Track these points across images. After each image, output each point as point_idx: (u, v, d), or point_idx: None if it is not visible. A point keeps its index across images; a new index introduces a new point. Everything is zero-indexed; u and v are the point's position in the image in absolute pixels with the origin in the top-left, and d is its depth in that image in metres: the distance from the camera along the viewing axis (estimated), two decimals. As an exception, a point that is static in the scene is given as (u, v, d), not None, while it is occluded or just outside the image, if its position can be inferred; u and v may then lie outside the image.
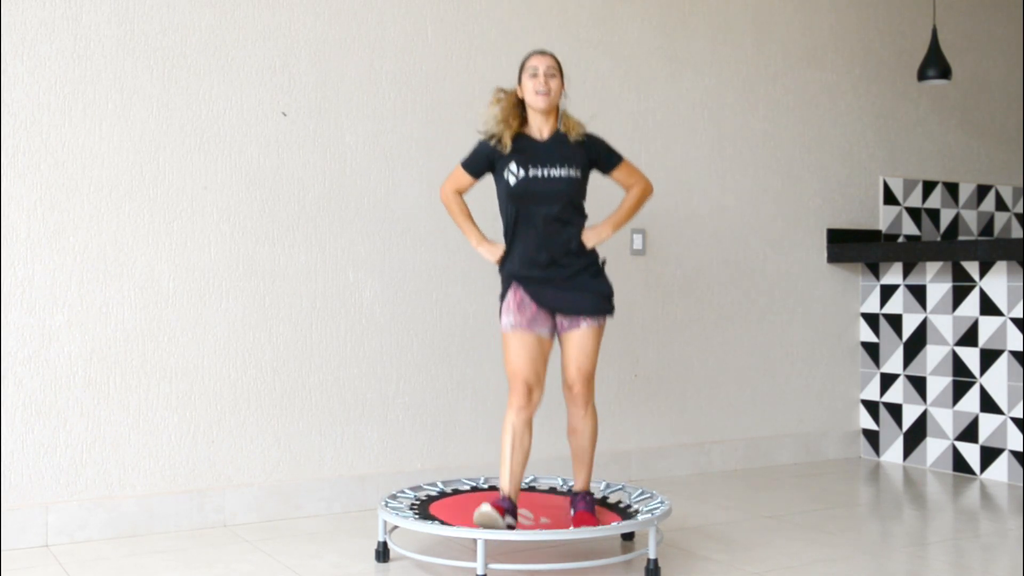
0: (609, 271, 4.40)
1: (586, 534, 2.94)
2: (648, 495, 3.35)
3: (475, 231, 3.28)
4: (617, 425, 4.45)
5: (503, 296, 3.20)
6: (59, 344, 3.40)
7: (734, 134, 4.79)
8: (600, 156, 3.24)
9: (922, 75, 4.91)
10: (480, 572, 2.83)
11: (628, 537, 3.36)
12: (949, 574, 3.07)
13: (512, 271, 3.18)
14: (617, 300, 4.43)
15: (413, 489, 3.43)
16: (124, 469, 3.50)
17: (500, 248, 3.22)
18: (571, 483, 3.58)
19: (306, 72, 3.82)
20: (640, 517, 3.04)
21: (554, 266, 3.14)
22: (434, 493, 3.42)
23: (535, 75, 3.14)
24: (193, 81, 3.62)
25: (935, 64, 4.85)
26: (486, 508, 2.95)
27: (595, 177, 3.34)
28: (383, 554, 3.17)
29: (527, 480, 3.61)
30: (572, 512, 3.23)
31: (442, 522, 3.01)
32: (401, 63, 4.00)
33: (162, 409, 3.56)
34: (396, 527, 3.28)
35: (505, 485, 3.09)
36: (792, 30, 4.96)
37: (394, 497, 3.29)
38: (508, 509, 3.03)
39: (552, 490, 3.56)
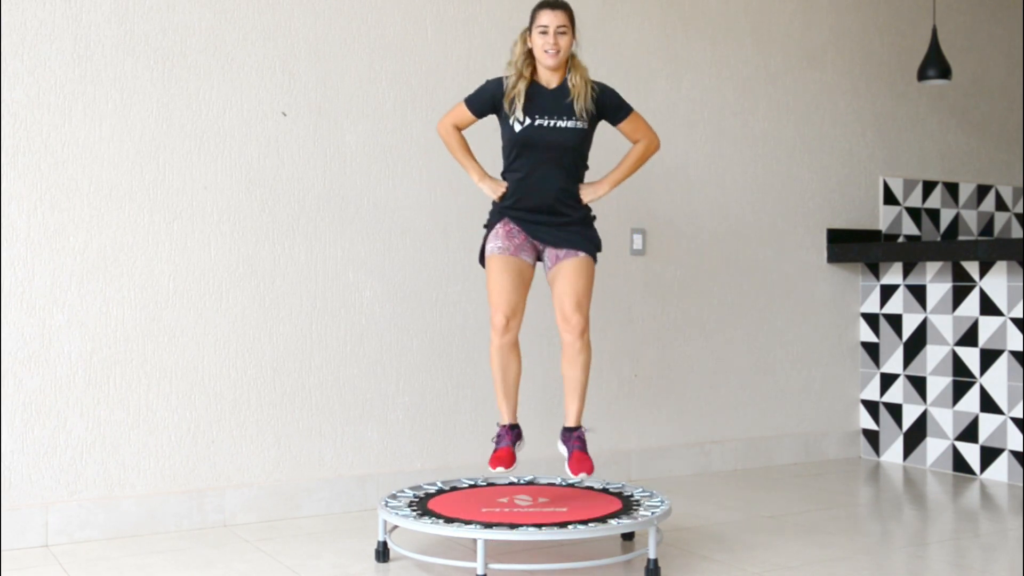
0: (609, 271, 4.41)
1: (586, 534, 2.93)
2: (648, 495, 3.35)
3: (476, 166, 3.30)
4: (617, 425, 4.45)
5: (489, 226, 3.23)
6: (59, 344, 3.40)
7: (734, 134, 4.79)
8: (609, 107, 3.25)
9: (922, 75, 4.91)
10: (480, 572, 2.83)
11: (628, 537, 3.36)
12: (949, 574, 3.07)
13: (505, 208, 3.22)
14: (617, 300, 4.44)
15: (413, 489, 3.42)
16: (124, 469, 3.50)
17: (503, 185, 3.24)
18: (570, 481, 3.58)
19: (306, 72, 3.82)
20: (640, 517, 3.04)
21: (550, 214, 3.19)
22: (433, 491, 3.42)
23: (544, 32, 3.13)
24: (193, 81, 3.62)
25: (935, 64, 4.85)
26: (500, 471, 3.12)
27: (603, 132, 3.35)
28: (383, 554, 3.17)
29: (527, 477, 3.61)
30: (567, 452, 3.19)
31: (441, 517, 3.01)
32: (401, 63, 4.00)
33: (162, 409, 3.56)
34: (396, 527, 3.28)
35: (504, 410, 3.21)
36: (792, 30, 4.96)
37: (394, 497, 3.29)
38: (514, 437, 3.17)
39: (550, 485, 3.55)
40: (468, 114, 3.29)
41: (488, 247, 3.22)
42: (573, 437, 3.23)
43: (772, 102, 4.90)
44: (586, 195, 3.26)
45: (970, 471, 4.59)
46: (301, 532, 3.55)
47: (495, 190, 3.25)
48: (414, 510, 3.11)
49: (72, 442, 3.42)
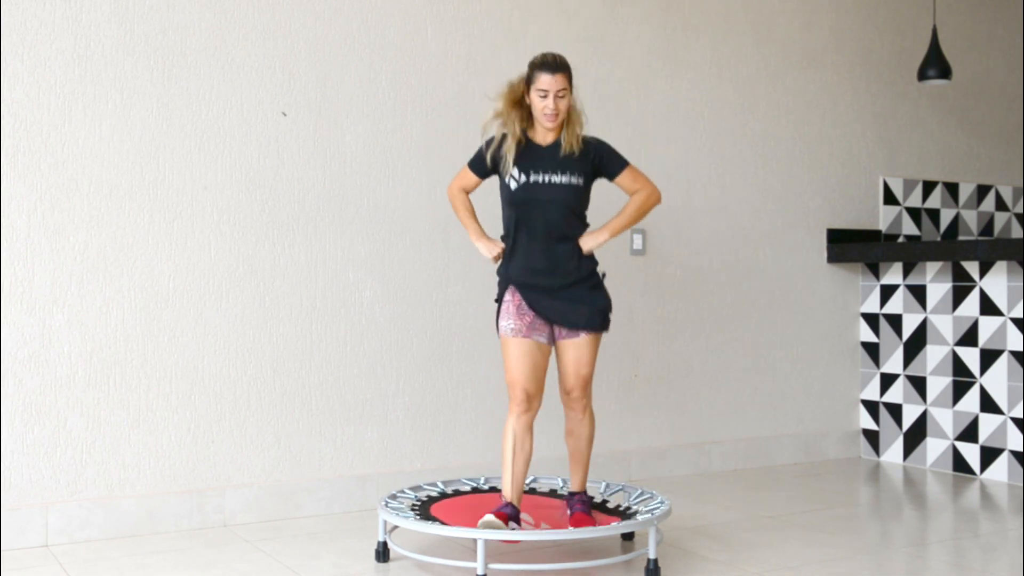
0: (609, 271, 4.41)
1: (586, 534, 2.93)
2: (648, 495, 3.35)
3: (475, 226, 3.27)
4: (617, 425, 4.45)
5: (500, 299, 3.19)
6: (59, 344, 3.40)
7: (734, 134, 4.79)
8: (603, 161, 3.19)
9: (922, 75, 4.91)
10: (480, 572, 2.83)
11: (628, 537, 3.36)
12: (949, 574, 3.07)
13: (510, 275, 3.16)
14: (617, 300, 4.43)
15: (413, 489, 3.43)
16: (124, 469, 3.50)
17: (498, 246, 3.21)
18: (569, 484, 3.58)
19: (306, 72, 3.82)
20: (640, 517, 3.04)
21: (552, 275, 3.12)
22: (434, 494, 3.42)
23: (544, 96, 3.07)
24: (193, 81, 3.62)
25: (935, 64, 4.85)
26: (489, 518, 2.93)
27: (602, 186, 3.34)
28: (383, 554, 3.17)
29: (528, 482, 3.61)
30: (569, 513, 3.23)
31: (442, 523, 3.01)
32: (401, 63, 4.00)
33: (162, 409, 3.56)
34: (396, 527, 3.28)
35: (507, 491, 3.08)
36: (792, 30, 4.96)
37: (394, 497, 3.29)
38: (511, 515, 3.03)
39: (553, 492, 3.56)
40: (472, 176, 3.28)
41: (502, 325, 3.15)
42: (576, 501, 3.26)
43: (772, 102, 4.90)
44: (586, 244, 3.17)
45: (970, 471, 4.59)
46: (301, 532, 3.55)
47: (491, 249, 3.19)
48: (416, 514, 3.10)
49: (72, 442, 3.42)
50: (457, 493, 3.45)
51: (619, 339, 4.44)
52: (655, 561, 2.97)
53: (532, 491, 3.56)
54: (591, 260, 3.20)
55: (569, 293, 3.13)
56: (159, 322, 3.56)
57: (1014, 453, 4.41)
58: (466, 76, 4.12)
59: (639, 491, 3.41)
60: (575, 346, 3.15)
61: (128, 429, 3.51)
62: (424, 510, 3.18)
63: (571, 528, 3.02)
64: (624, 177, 3.23)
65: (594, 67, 4.42)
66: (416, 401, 4.01)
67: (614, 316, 4.41)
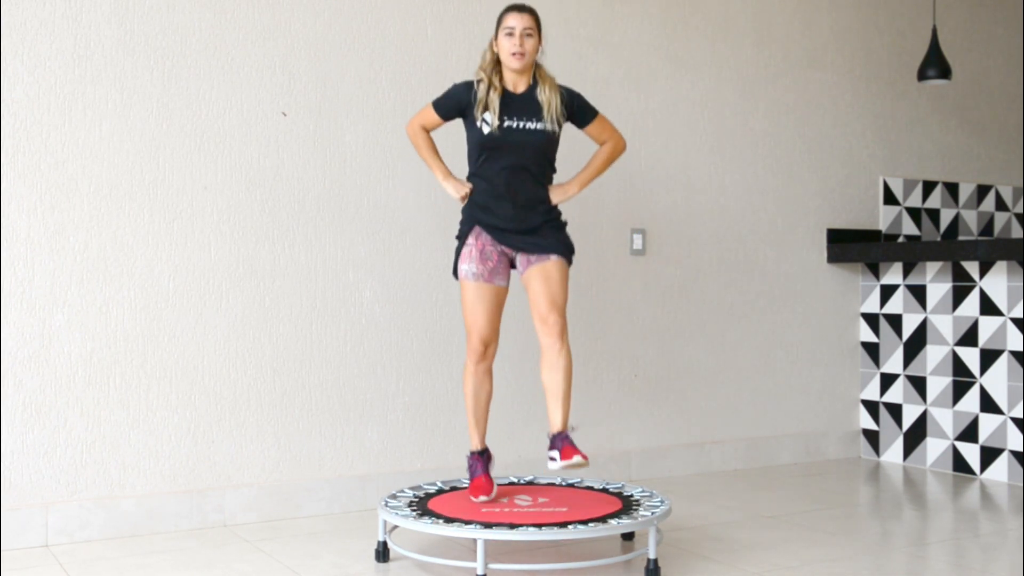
0: (609, 271, 4.41)
1: (586, 534, 2.93)
2: (648, 495, 3.35)
3: (441, 166, 3.31)
4: (617, 425, 4.45)
5: (461, 238, 3.23)
6: (59, 344, 3.40)
7: (734, 134, 4.79)
8: (575, 109, 3.28)
9: (922, 75, 4.91)
10: (480, 572, 2.83)
11: (628, 537, 3.36)
12: (949, 574, 3.07)
13: (475, 215, 3.21)
14: (617, 300, 4.44)
15: (413, 489, 3.42)
16: (124, 469, 3.50)
17: (466, 186, 3.25)
18: (569, 481, 3.58)
19: (306, 72, 3.82)
20: (640, 517, 3.04)
21: (520, 218, 3.19)
22: (433, 491, 3.42)
23: (511, 34, 3.15)
24: (193, 81, 3.62)
25: (935, 64, 4.85)
26: (482, 499, 3.07)
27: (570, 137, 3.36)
28: (383, 554, 3.17)
29: (527, 477, 3.61)
30: (557, 451, 3.08)
31: (442, 517, 3.01)
32: (401, 63, 4.00)
33: (162, 409, 3.56)
34: (396, 527, 3.28)
35: (475, 437, 3.29)
36: (792, 30, 4.96)
37: (394, 497, 3.29)
38: (485, 462, 3.26)
39: (550, 484, 3.55)
40: (435, 116, 3.31)
41: (462, 269, 3.21)
42: (560, 438, 3.13)
43: (772, 102, 4.90)
44: (555, 196, 3.26)
45: (970, 471, 4.59)
46: (301, 532, 3.55)
47: (459, 190, 3.25)
48: (414, 510, 3.11)
49: (72, 442, 3.42)
50: (455, 489, 3.44)
51: (619, 339, 4.44)
52: (655, 561, 2.97)
53: (531, 483, 3.56)
54: (555, 206, 3.29)
55: (535, 232, 3.22)
56: (159, 322, 3.56)
57: (1014, 453, 4.41)
58: (466, 76, 4.11)
59: (639, 490, 3.41)
60: (546, 270, 3.19)
61: (128, 429, 3.51)
62: (422, 505, 3.18)
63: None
64: (594, 127, 3.34)
65: (594, 67, 4.42)
66: (416, 401, 4.01)
67: (615, 316, 4.43)
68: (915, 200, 5.32)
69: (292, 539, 3.46)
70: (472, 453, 3.32)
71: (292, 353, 3.79)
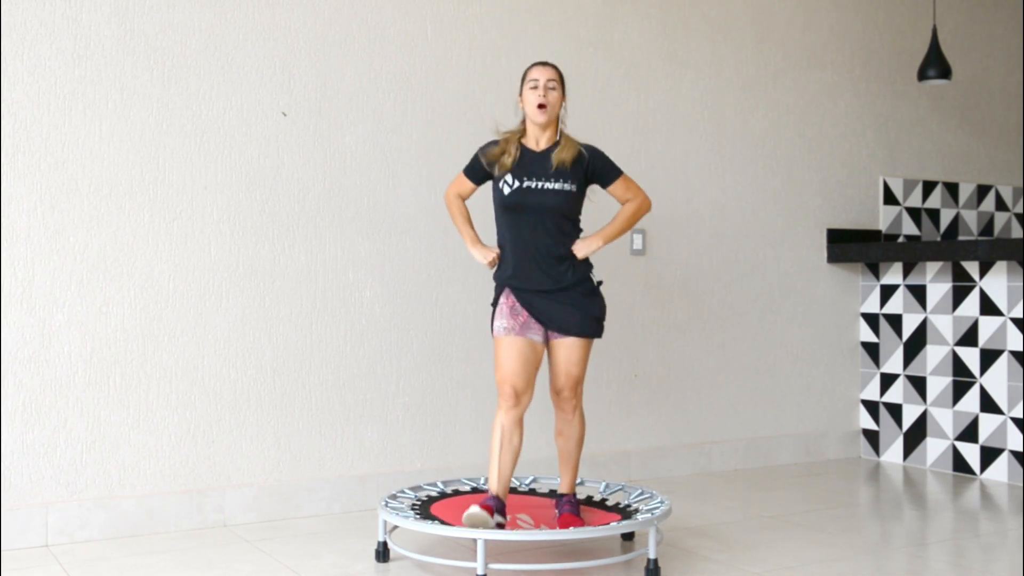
0: (609, 271, 4.41)
1: (586, 534, 2.93)
2: (648, 495, 3.35)
3: (470, 232, 3.32)
4: (617, 425, 4.45)
5: (495, 303, 3.21)
6: (59, 344, 3.40)
7: (734, 134, 4.79)
8: (598, 169, 3.23)
9: (922, 75, 4.91)
10: (480, 572, 2.83)
11: (628, 537, 3.36)
12: (949, 574, 3.07)
13: (505, 279, 3.19)
14: (617, 300, 4.44)
15: (413, 489, 3.43)
16: (124, 469, 3.50)
17: (492, 252, 3.23)
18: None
19: (306, 72, 3.82)
20: (640, 517, 3.04)
21: (545, 279, 3.15)
22: (434, 494, 3.42)
23: (535, 87, 3.16)
24: (193, 81, 3.62)
25: (935, 64, 4.85)
26: (475, 509, 2.95)
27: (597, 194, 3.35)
28: (383, 554, 3.17)
29: (527, 482, 3.61)
30: (557, 514, 3.22)
31: (442, 522, 3.01)
32: (401, 63, 4.00)
33: (162, 409, 3.56)
34: (396, 527, 3.28)
35: (493, 484, 3.11)
36: (792, 30, 4.96)
37: (394, 497, 3.29)
38: (496, 508, 3.04)
39: (552, 492, 3.56)
40: (468, 183, 3.32)
41: (495, 326, 3.18)
42: (564, 502, 3.24)
43: (772, 102, 4.90)
44: (579, 250, 3.19)
45: (970, 471, 4.59)
46: (301, 532, 3.55)
47: (485, 256, 3.23)
48: (416, 513, 3.10)
49: (72, 442, 3.42)
50: (457, 493, 3.45)
51: (619, 339, 4.44)
52: (655, 561, 2.97)
53: (532, 491, 3.56)
54: (585, 265, 3.22)
55: (563, 296, 3.16)
56: (159, 322, 3.56)
57: (1014, 453, 4.41)
58: (466, 76, 4.12)
59: (639, 491, 3.41)
60: (566, 346, 3.18)
61: (128, 429, 3.51)
62: (424, 510, 3.18)
63: (572, 528, 3.02)
64: (617, 186, 3.28)
65: (594, 67, 4.42)
66: (416, 401, 4.01)
67: (614, 316, 4.42)
68: (915, 200, 5.32)
69: (292, 539, 3.46)
70: (490, 495, 3.14)
71: (292, 353, 3.79)
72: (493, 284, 3.30)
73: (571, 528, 2.95)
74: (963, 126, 5.53)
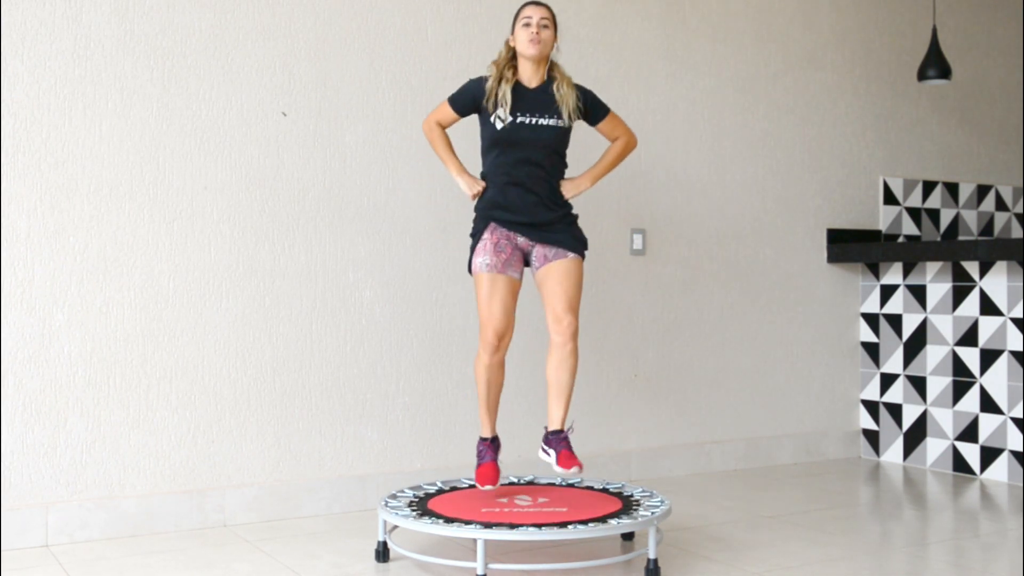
0: (609, 271, 4.41)
1: (586, 534, 2.93)
2: (648, 495, 3.35)
3: (455, 161, 3.35)
4: (617, 425, 4.45)
5: (476, 235, 3.25)
6: (59, 344, 3.40)
7: (734, 134, 4.79)
8: (588, 106, 3.31)
9: (922, 75, 4.91)
10: (480, 572, 2.83)
11: (628, 537, 3.36)
12: (949, 574, 3.07)
13: (489, 211, 3.24)
14: (617, 300, 4.44)
15: (413, 489, 3.42)
16: (124, 469, 3.50)
17: (479, 183, 3.28)
18: (569, 482, 3.58)
19: (306, 72, 3.82)
20: (640, 517, 3.04)
21: (533, 212, 3.21)
22: (433, 491, 3.42)
23: (528, 24, 3.21)
24: (193, 81, 3.62)
25: (935, 64, 4.85)
26: (488, 488, 3.17)
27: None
28: (383, 554, 3.17)
29: (527, 477, 3.61)
30: (555, 453, 3.13)
31: (442, 517, 3.01)
32: (401, 63, 4.00)
33: (162, 409, 3.56)
34: (396, 527, 3.28)
35: (487, 425, 3.29)
36: (792, 30, 4.96)
37: (394, 497, 3.29)
38: (495, 450, 3.27)
39: (551, 485, 3.55)
40: (451, 112, 3.34)
41: (476, 262, 3.22)
42: (559, 439, 3.18)
43: (772, 102, 4.90)
44: (567, 190, 3.30)
45: (970, 471, 4.59)
46: (301, 532, 3.55)
47: (471, 186, 3.28)
48: (414, 510, 3.11)
49: (72, 442, 3.42)
50: (455, 490, 3.44)
51: (619, 339, 4.44)
52: (655, 561, 2.97)
53: (531, 483, 3.56)
54: (567, 202, 3.33)
55: (548, 227, 3.24)
56: (159, 322, 3.56)
57: (1014, 453, 4.41)
58: (466, 76, 4.11)
59: (639, 490, 3.41)
60: (561, 267, 3.22)
61: (128, 429, 3.51)
62: (422, 505, 3.18)
63: (571, 527, 3.01)
64: (605, 123, 3.38)
65: (594, 67, 4.42)
66: (416, 401, 4.01)
67: (615, 316, 4.43)
68: (915, 200, 5.32)
69: (292, 539, 3.46)
70: (482, 439, 3.33)
71: (292, 353, 3.79)
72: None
73: (571, 528, 2.95)
74: (963, 126, 5.53)
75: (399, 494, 3.33)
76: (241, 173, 3.70)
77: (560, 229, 3.25)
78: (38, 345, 3.38)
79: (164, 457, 3.57)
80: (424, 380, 4.03)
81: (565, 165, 3.33)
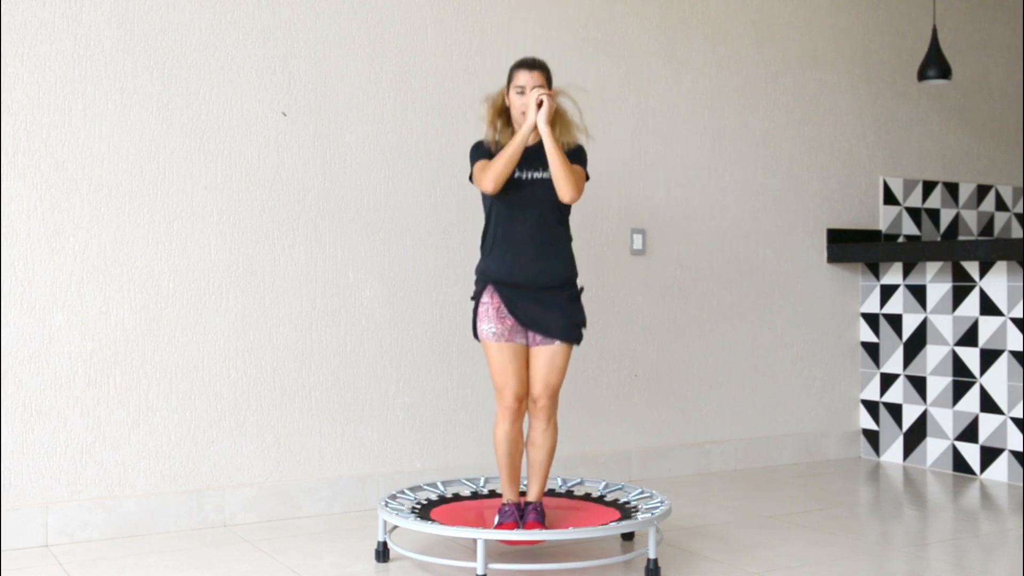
0: (609, 271, 4.41)
1: (586, 534, 2.93)
2: (648, 495, 3.35)
3: (520, 134, 3.07)
4: (617, 425, 4.45)
5: (476, 297, 3.18)
6: (59, 344, 3.40)
7: (734, 134, 4.78)
8: (570, 155, 3.13)
9: (922, 75, 4.91)
10: (480, 572, 2.83)
11: (628, 537, 3.36)
12: (949, 574, 3.07)
13: (488, 273, 3.16)
14: (617, 300, 4.44)
15: (413, 490, 3.43)
16: (124, 469, 3.50)
17: (545, 92, 3.05)
18: (568, 484, 3.59)
19: (306, 72, 3.82)
20: (640, 517, 3.04)
21: (533, 273, 3.11)
22: (434, 496, 3.42)
23: (521, 93, 3.11)
24: (193, 81, 3.62)
25: (935, 64, 4.85)
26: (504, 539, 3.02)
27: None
28: (383, 554, 3.17)
29: (525, 481, 3.61)
30: (522, 524, 3.14)
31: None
32: (401, 63, 4.00)
33: (162, 409, 3.56)
34: (396, 527, 3.28)
35: (509, 493, 3.17)
36: (792, 30, 4.96)
37: (394, 497, 3.29)
38: (517, 517, 3.13)
39: (551, 491, 3.56)
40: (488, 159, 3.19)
41: (482, 329, 3.15)
42: (531, 510, 3.18)
43: (772, 102, 4.90)
44: (540, 121, 3.03)
45: (970, 471, 4.59)
46: (301, 532, 3.55)
47: (536, 111, 3.02)
48: (416, 517, 3.10)
49: (72, 442, 3.42)
50: (457, 497, 3.44)
51: (619, 339, 4.44)
52: (655, 561, 2.97)
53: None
54: (571, 268, 3.19)
55: (547, 298, 3.13)
56: (159, 322, 3.56)
57: (1014, 453, 4.41)
58: (466, 76, 4.12)
59: (639, 491, 3.41)
60: (547, 353, 3.15)
61: (128, 429, 3.51)
62: (424, 514, 3.18)
63: (572, 528, 3.02)
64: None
65: (594, 67, 4.41)
66: (416, 401, 4.01)
67: (615, 316, 4.43)
68: (915, 200, 5.32)
69: (292, 539, 3.46)
70: (506, 504, 3.20)
71: (292, 353, 3.79)
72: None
73: (571, 528, 2.95)
74: (963, 126, 5.53)
75: (399, 495, 3.33)
76: (241, 173, 3.70)
77: (557, 304, 3.14)
78: (38, 345, 3.38)
79: (164, 457, 3.56)
80: (424, 380, 4.03)
81: (566, 227, 3.20)
